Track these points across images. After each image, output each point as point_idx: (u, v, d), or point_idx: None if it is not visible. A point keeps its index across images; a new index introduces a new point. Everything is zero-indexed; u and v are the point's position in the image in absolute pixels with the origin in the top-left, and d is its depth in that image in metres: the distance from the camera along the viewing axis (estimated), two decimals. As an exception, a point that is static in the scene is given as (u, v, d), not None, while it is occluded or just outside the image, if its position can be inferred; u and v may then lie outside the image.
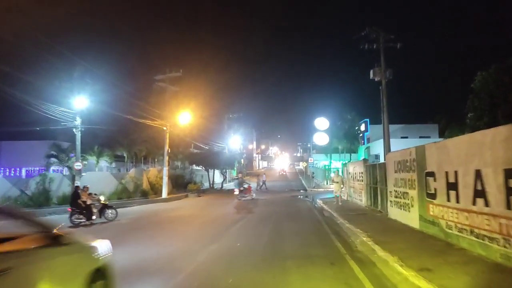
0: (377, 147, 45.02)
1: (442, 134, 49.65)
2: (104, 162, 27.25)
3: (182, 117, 27.01)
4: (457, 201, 7.06)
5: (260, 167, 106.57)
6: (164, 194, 25.86)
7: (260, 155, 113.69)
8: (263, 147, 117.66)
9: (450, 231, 7.38)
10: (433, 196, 8.25)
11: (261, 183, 34.35)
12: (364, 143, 54.84)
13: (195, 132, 39.91)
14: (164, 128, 25.70)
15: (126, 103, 24.13)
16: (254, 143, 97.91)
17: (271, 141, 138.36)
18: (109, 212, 15.01)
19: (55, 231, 3.40)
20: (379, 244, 7.40)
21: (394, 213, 11.27)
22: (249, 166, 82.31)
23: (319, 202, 20.05)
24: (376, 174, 14.35)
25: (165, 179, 26.12)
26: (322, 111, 41.74)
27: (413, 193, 9.53)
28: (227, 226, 11.90)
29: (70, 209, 14.45)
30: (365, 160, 16.33)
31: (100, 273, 3.86)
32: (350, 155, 40.95)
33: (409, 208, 9.93)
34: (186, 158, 36.63)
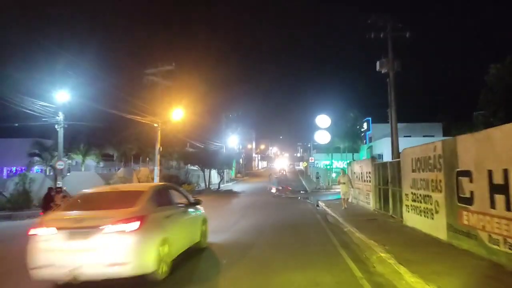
0: (380, 147, 43.40)
1: (446, 133, 48.16)
2: (91, 162, 25.59)
3: (175, 113, 25.31)
4: (508, 209, 5.40)
5: (260, 167, 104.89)
6: (155, 196, 24.19)
7: (259, 155, 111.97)
8: (262, 147, 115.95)
9: (495, 247, 5.71)
10: (468, 201, 6.59)
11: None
12: (365, 143, 53.28)
13: (191, 130, 38.29)
14: (155, 125, 24.01)
15: (115, 98, 22.44)
16: (254, 143, 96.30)
17: (271, 141, 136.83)
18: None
19: (192, 200, 7.88)
20: (404, 264, 5.74)
21: (412, 219, 9.60)
22: (248, 166, 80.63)
23: (322, 204, 18.40)
24: (386, 174, 12.70)
25: (156, 180, 24.44)
26: (324, 109, 40.04)
27: (439, 196, 7.87)
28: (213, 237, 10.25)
29: (42, 213, 12.86)
30: (373, 159, 14.65)
31: (204, 221, 8.33)
32: (353, 154, 39.28)
33: (432, 214, 8.27)
34: (181, 157, 34.91)
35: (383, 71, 19.77)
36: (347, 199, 15.17)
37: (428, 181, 8.41)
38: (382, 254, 6.58)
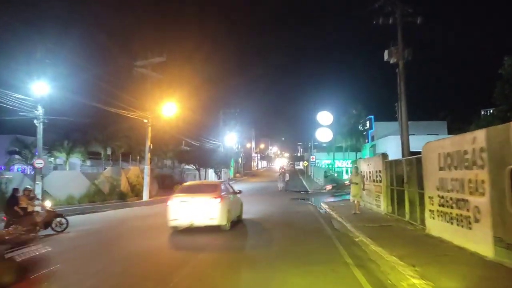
0: (384, 145, 41.66)
1: (451, 131, 46.64)
2: (77, 160, 23.89)
3: (167, 108, 23.62)
4: None
5: (259, 167, 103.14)
6: (145, 197, 22.53)
7: (259, 155, 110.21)
8: (262, 146, 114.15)
9: None
10: (529, 208, 4.89)
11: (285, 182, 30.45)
12: (368, 141, 51.54)
13: (186, 128, 36.58)
14: (145, 121, 22.32)
15: (101, 91, 20.74)
16: (253, 142, 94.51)
17: (271, 141, 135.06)
18: (57, 222, 11.65)
19: (236, 191, 12.62)
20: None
21: (438, 228, 7.90)
22: (247, 166, 78.84)
23: (325, 207, 16.71)
24: (401, 173, 11.02)
25: (147, 179, 22.78)
26: (326, 106, 38.25)
27: (480, 201, 6.17)
28: (201, 247, 8.62)
29: (5, 218, 11.20)
30: (384, 155, 12.90)
31: (242, 204, 12.85)
32: (356, 153, 37.53)
33: (469, 223, 6.57)
34: (176, 156, 33.21)
35: (391, 61, 18.10)
36: (359, 202, 13.15)
37: (464, 181, 6.71)
38: (415, 280, 4.87)
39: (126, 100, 21.77)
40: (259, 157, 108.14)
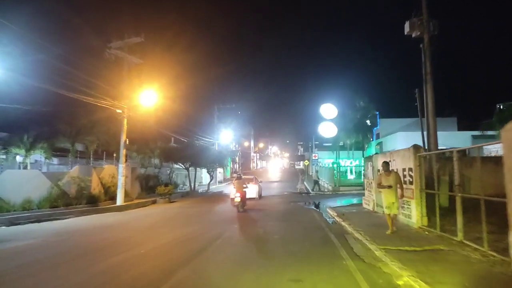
0: (392, 142, 38.39)
1: (460, 129, 43.55)
2: (42, 158, 20.57)
3: (146, 97, 20.22)
4: None
5: (259, 167, 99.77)
6: (119, 201, 19.18)
7: (258, 154, 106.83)
8: (261, 145, 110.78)
9: None
10: None
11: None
12: (373, 139, 48.14)
13: (177, 124, 33.27)
14: (118, 111, 18.94)
15: (67, 76, 17.34)
16: (252, 141, 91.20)
17: (271, 140, 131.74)
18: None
19: (260, 180, 28.51)
20: None
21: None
22: (245, 166, 75.50)
23: (332, 214, 13.39)
24: (450, 172, 7.71)
25: (121, 180, 19.43)
26: (330, 99, 34.63)
27: None
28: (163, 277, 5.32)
29: None
30: (416, 148, 9.48)
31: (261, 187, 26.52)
32: (363, 151, 34.14)
33: None
34: (162, 154, 29.84)
35: (413, 35, 14.81)
36: (396, 216, 8.99)
37: None
38: None
39: (98, 87, 18.43)
40: (258, 157, 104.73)
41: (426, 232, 8.51)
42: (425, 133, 16.19)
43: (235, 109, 48.28)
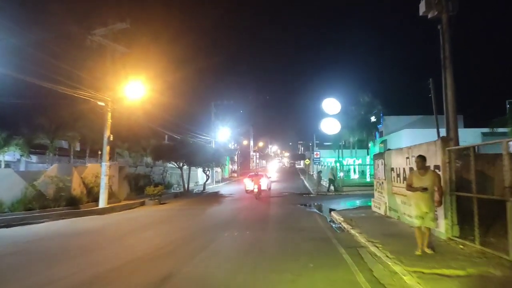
0: (397, 140, 36.65)
1: (468, 125, 41.88)
2: (20, 156, 18.91)
3: (132, 88, 18.46)
4: None
5: (258, 166, 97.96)
6: (102, 203, 17.45)
7: (258, 153, 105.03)
8: (261, 144, 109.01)
9: None
10: None
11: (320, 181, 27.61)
12: (376, 137, 46.39)
13: (172, 121, 31.51)
14: (101, 103, 17.18)
15: (44, 65, 15.60)
16: (251, 139, 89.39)
17: (271, 139, 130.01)
18: None
19: (269, 176, 31.80)
20: None
21: None
22: (244, 165, 73.68)
23: (339, 219, 11.64)
24: (495, 172, 5.96)
25: (105, 180, 17.72)
26: (332, 94, 32.78)
27: None
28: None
29: None
30: (444, 140, 7.65)
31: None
32: (367, 149, 32.36)
33: None
34: (154, 152, 28.06)
35: (430, 15, 12.98)
36: (429, 230, 6.70)
37: None
38: None
39: (79, 78, 16.70)
40: (257, 156, 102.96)
41: (461, 246, 6.77)
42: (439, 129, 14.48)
43: (233, 105, 46.52)
